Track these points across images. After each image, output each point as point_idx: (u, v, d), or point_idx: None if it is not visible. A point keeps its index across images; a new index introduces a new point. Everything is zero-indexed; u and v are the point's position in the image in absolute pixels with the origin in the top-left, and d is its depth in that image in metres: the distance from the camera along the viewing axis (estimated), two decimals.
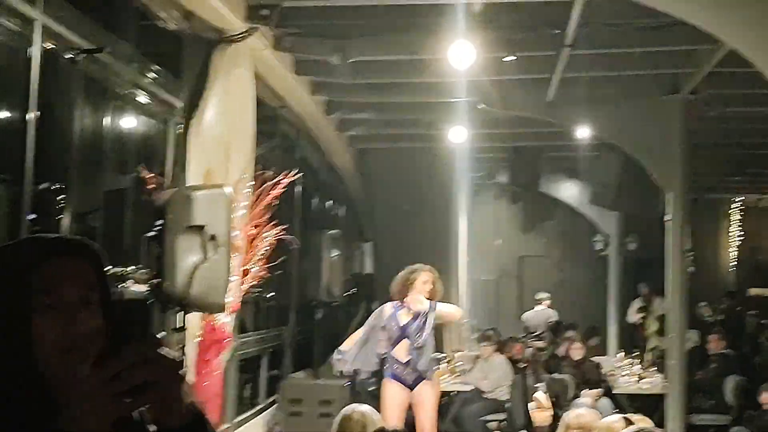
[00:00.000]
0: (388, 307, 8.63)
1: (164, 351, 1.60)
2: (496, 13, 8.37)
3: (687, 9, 6.72)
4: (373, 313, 8.84)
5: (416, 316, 8.46)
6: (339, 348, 9.02)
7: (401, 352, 8.50)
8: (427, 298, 8.48)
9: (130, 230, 7.22)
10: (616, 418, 4.24)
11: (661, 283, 11.35)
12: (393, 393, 8.45)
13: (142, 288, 6.81)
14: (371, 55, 9.79)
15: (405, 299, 8.49)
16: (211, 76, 8.02)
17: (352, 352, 8.76)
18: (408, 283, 8.48)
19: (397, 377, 8.49)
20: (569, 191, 17.63)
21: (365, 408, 4.99)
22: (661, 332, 16.04)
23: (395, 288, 8.60)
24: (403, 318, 8.51)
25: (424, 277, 8.50)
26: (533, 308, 16.41)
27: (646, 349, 14.75)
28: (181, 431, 1.64)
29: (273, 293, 11.19)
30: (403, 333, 8.48)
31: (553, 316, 16.01)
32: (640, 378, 12.14)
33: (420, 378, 8.47)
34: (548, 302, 16.36)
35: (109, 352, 1.57)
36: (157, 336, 1.64)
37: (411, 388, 8.45)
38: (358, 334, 8.89)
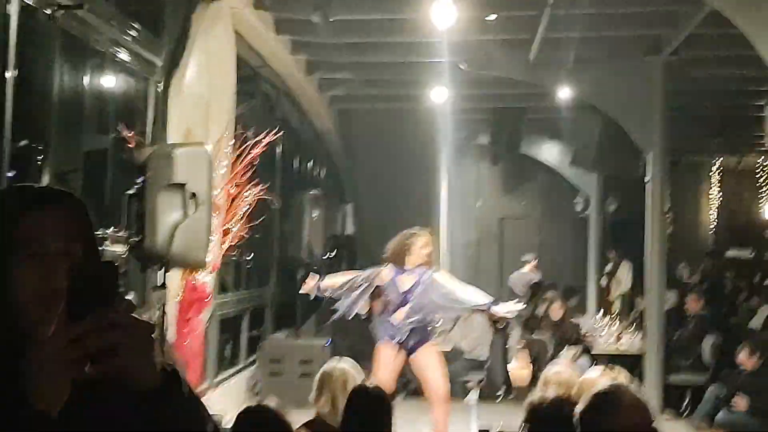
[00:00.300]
0: (386, 271, 8.33)
1: (130, 314, 1.56)
2: None
3: None
4: (370, 271, 8.52)
5: (417, 281, 8.22)
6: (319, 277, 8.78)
7: (402, 317, 8.27)
8: (425, 263, 8.25)
9: (111, 189, 7.19)
10: (598, 372, 4.29)
11: (639, 245, 11.41)
12: (389, 357, 8.23)
13: (119, 248, 6.79)
14: (352, 14, 9.74)
15: (404, 264, 8.26)
16: (191, 35, 7.97)
17: (338, 292, 8.60)
18: (405, 248, 8.24)
19: (395, 341, 8.25)
20: (550, 152, 17.65)
21: (346, 364, 5.00)
22: (625, 297, 16.32)
23: (392, 251, 8.34)
24: (404, 283, 8.26)
25: (422, 241, 8.26)
26: (519, 270, 16.49)
27: (610, 312, 14.88)
28: (154, 394, 1.61)
29: (253, 253, 11.19)
30: (405, 299, 8.24)
31: (534, 277, 16.09)
32: (619, 338, 12.25)
33: (421, 342, 8.29)
34: (533, 263, 16.43)
35: (69, 316, 1.52)
36: (126, 298, 1.59)
37: (409, 352, 8.26)
38: (345, 276, 8.71)
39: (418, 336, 8.29)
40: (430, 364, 8.32)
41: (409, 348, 8.25)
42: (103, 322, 1.52)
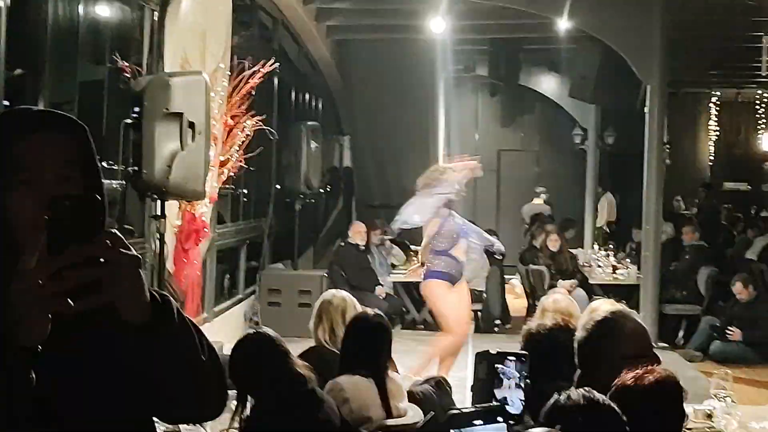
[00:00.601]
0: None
1: (114, 247, 1.53)
2: None
3: None
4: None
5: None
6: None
7: (460, 252, 8.19)
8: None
9: (107, 119, 7.14)
10: (601, 302, 4.31)
11: (636, 177, 11.40)
12: (449, 291, 8.12)
13: (114, 182, 6.78)
14: None
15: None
16: None
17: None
18: (436, 181, 8.16)
19: (448, 277, 8.11)
20: (549, 84, 17.54)
21: (345, 294, 5.02)
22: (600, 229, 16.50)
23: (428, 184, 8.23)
24: (457, 217, 8.25)
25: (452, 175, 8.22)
26: (531, 201, 16.62)
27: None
28: (144, 326, 1.59)
29: (249, 186, 11.18)
30: (463, 233, 8.21)
31: (545, 209, 16.17)
32: (615, 269, 12.32)
33: (460, 276, 8.26)
34: (544, 197, 16.53)
35: (48, 250, 1.49)
36: (112, 231, 1.56)
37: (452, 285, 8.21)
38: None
39: (462, 271, 8.24)
40: (466, 298, 8.32)
41: (454, 282, 8.15)
42: (84, 255, 1.49)
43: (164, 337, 1.63)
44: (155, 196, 6.13)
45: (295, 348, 5.33)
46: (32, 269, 1.49)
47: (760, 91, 21.70)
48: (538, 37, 14.28)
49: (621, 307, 3.62)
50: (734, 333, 10.34)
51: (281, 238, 12.38)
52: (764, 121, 22.41)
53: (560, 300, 5.01)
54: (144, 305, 1.59)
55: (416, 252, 12.86)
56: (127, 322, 1.58)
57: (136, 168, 5.94)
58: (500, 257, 12.76)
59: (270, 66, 8.80)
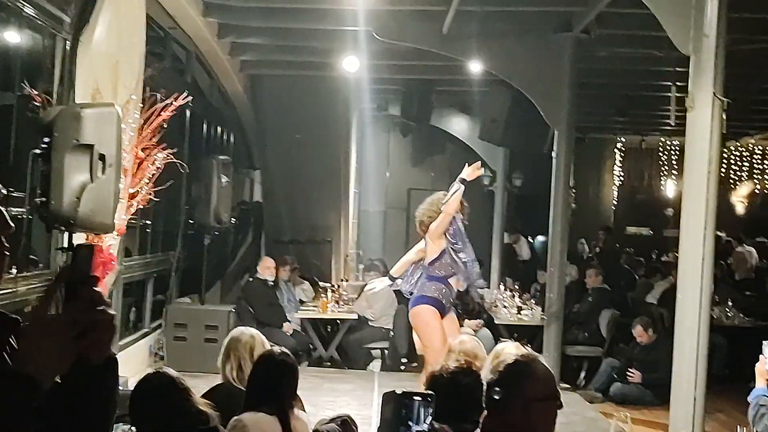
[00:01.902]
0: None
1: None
2: None
3: None
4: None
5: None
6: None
7: (457, 282, 8.35)
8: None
9: (15, 148, 7.00)
10: (510, 345, 4.38)
11: (542, 219, 11.61)
12: (440, 322, 8.18)
13: (20, 210, 6.65)
14: None
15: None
16: None
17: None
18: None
19: (440, 306, 8.20)
20: (459, 125, 17.80)
21: (254, 331, 5.01)
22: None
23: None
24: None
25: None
26: None
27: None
28: (100, 369, 1.72)
29: (158, 219, 11.05)
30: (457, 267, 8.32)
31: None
32: (520, 310, 12.49)
33: (450, 307, 8.35)
34: None
35: (67, 297, 1.64)
36: (92, 275, 1.69)
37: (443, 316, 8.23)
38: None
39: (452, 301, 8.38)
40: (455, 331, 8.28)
41: (444, 312, 8.22)
42: (92, 301, 1.65)
43: (113, 375, 1.79)
44: (62, 228, 6.02)
45: (201, 384, 5.29)
46: (59, 315, 1.63)
47: (663, 139, 22.39)
48: (451, 79, 14.51)
49: (527, 350, 3.70)
50: (634, 375, 10.58)
51: (189, 271, 12.24)
52: (667, 167, 23.08)
53: (466, 341, 5.08)
54: (110, 347, 1.74)
55: (325, 289, 12.89)
56: (94, 362, 1.71)
57: (43, 199, 5.83)
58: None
59: (183, 99, 8.75)
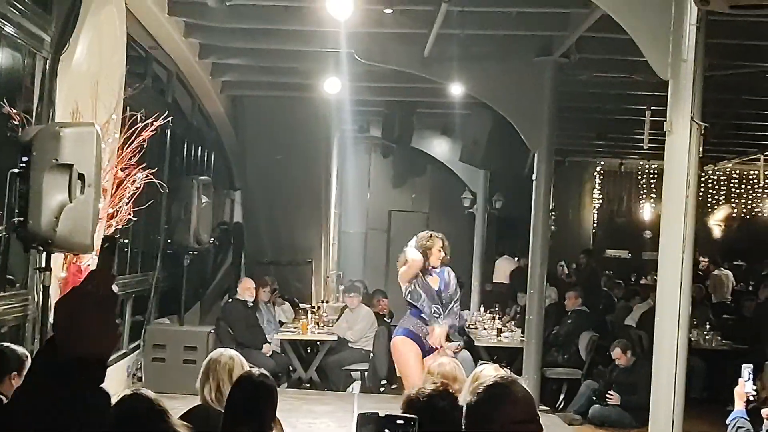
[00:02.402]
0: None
1: None
2: None
3: None
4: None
5: (443, 283, 8.36)
6: None
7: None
8: (443, 263, 8.42)
9: None
10: (490, 368, 4.38)
11: (522, 242, 11.65)
12: (418, 356, 8.15)
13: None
14: None
15: (426, 266, 8.30)
16: (82, 11, 7.77)
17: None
18: (425, 250, 8.29)
19: (417, 340, 8.15)
20: (440, 148, 17.86)
21: (233, 353, 4.99)
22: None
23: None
24: (434, 284, 8.35)
25: (438, 245, 8.37)
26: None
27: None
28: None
29: (137, 239, 11.00)
30: (437, 298, 8.30)
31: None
32: (500, 332, 12.50)
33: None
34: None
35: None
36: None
37: (426, 353, 8.15)
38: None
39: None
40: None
41: (427, 350, 8.16)
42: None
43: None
44: (41, 248, 5.98)
45: (179, 405, 5.25)
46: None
47: (641, 162, 22.53)
48: (432, 102, 14.57)
49: (507, 372, 3.69)
50: (613, 397, 10.58)
51: (168, 292, 12.19)
52: (645, 190, 23.22)
53: (445, 364, 5.06)
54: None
55: (305, 310, 12.86)
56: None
57: (21, 218, 5.79)
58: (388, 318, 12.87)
59: (163, 119, 8.74)
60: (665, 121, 6.48)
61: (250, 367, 4.86)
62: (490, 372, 3.80)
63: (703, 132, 6.25)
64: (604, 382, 10.97)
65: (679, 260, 6.27)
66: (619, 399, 10.54)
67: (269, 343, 11.84)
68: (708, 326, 13.02)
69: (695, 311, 11.14)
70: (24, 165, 5.85)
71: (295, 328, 12.48)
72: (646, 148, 13.57)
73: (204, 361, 5.01)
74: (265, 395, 4.42)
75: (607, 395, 10.65)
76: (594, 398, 10.85)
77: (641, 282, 18.43)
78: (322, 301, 13.80)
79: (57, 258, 6.91)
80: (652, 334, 6.70)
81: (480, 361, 9.99)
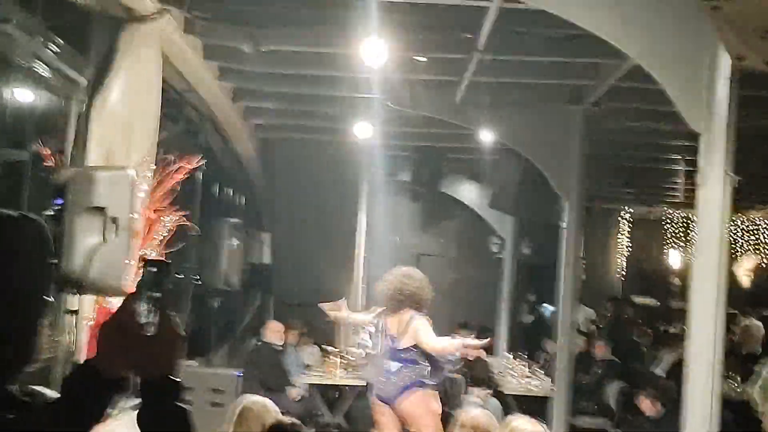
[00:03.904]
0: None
1: None
2: (411, 13, 8.43)
3: (595, 22, 6.88)
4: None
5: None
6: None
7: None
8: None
9: (26, 208, 7.03)
10: (525, 421, 4.33)
11: (550, 288, 11.59)
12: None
13: None
14: (283, 45, 9.74)
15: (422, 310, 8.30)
16: (117, 56, 7.87)
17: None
18: (429, 291, 8.44)
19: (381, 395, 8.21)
20: (469, 193, 17.84)
21: (267, 401, 4.97)
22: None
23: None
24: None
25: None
26: None
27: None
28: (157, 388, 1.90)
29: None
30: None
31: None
32: (528, 378, 12.38)
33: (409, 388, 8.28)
34: None
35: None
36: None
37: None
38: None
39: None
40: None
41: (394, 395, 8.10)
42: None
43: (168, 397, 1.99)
44: (73, 291, 6.01)
45: None
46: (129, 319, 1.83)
47: (669, 210, 22.42)
48: (462, 147, 14.59)
49: (543, 427, 3.66)
50: None
51: (196, 334, 12.19)
52: (673, 238, 23.08)
53: (479, 416, 5.00)
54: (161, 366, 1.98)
55: (332, 353, 12.81)
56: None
57: (54, 261, 5.82)
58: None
59: (196, 162, 8.79)
60: (694, 170, 6.45)
61: (282, 413, 4.84)
62: (524, 425, 3.75)
63: (736, 185, 6.21)
64: None
65: (712, 312, 6.20)
66: None
67: (296, 386, 11.79)
68: (739, 378, 12.83)
69: (725, 362, 11.00)
70: (58, 207, 5.90)
71: (323, 372, 12.44)
72: (682, 198, 13.51)
73: (236, 407, 5.00)
74: None
75: None
76: None
77: (670, 331, 18.22)
78: (350, 346, 13.75)
79: (86, 299, 6.94)
80: (682, 384, 6.61)
81: (510, 411, 9.89)
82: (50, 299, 1.88)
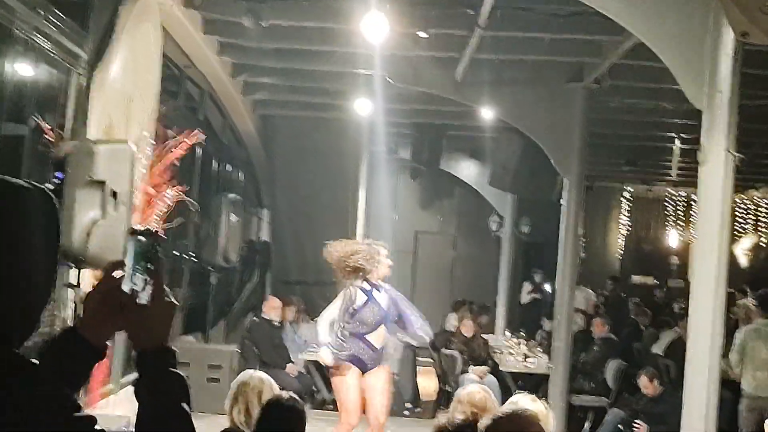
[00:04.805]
0: (359, 292, 8.06)
1: None
2: None
3: None
4: (342, 296, 8.16)
5: (391, 298, 8.08)
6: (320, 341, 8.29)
7: (378, 338, 8.09)
8: (385, 275, 8.15)
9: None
10: (525, 396, 4.33)
11: (549, 266, 11.60)
12: (355, 379, 7.99)
13: None
14: (284, 19, 9.69)
15: (373, 279, 8.03)
16: (117, 30, 7.82)
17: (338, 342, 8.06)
18: (375, 261, 8.05)
19: (359, 362, 7.98)
20: (469, 171, 17.83)
21: (263, 375, 4.98)
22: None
23: (355, 264, 8.04)
24: (382, 301, 8.07)
25: (384, 252, 8.17)
26: None
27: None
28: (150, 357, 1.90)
29: (165, 256, 11.01)
30: (383, 318, 8.06)
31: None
32: (526, 357, 12.42)
33: (378, 362, 8.12)
34: None
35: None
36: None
37: (364, 372, 8.04)
38: (328, 320, 8.23)
39: (380, 357, 8.11)
40: (379, 386, 8.13)
41: (367, 368, 8.03)
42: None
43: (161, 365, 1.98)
44: (71, 265, 6.00)
45: (202, 425, 5.22)
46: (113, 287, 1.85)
47: (669, 189, 22.40)
48: (462, 125, 14.56)
49: (543, 405, 3.65)
50: (641, 427, 10.45)
51: (194, 309, 12.20)
52: (673, 217, 23.08)
53: (476, 393, 4.98)
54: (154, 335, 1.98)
55: None
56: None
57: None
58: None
59: (196, 138, 8.77)
60: (695, 149, 6.44)
61: (280, 390, 4.84)
62: (527, 403, 3.75)
63: (738, 163, 6.20)
64: (631, 412, 10.84)
65: (713, 291, 6.20)
66: (646, 429, 10.41)
67: (294, 363, 11.82)
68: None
69: (724, 341, 11.03)
70: (58, 181, 5.88)
71: None
72: (674, 177, 13.50)
73: (233, 382, 5.00)
74: (294, 419, 4.41)
75: (634, 425, 10.53)
76: (620, 427, 10.73)
77: (668, 309, 18.24)
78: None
79: (85, 272, 6.93)
80: (680, 363, 6.63)
81: (516, 391, 9.89)
82: (57, 271, 1.87)
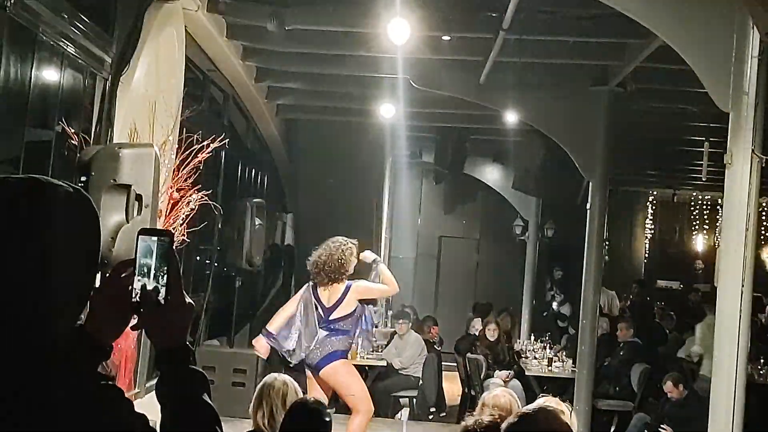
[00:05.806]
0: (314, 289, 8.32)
1: None
2: None
3: (621, 0, 6.82)
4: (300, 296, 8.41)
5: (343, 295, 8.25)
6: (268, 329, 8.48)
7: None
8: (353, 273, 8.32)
9: None
10: (550, 400, 4.31)
11: (574, 270, 11.54)
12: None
13: None
14: (307, 24, 9.71)
15: (343, 276, 8.23)
16: (142, 34, 7.87)
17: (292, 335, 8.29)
18: (343, 260, 8.21)
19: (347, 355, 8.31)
20: (493, 175, 17.78)
21: (287, 378, 4.97)
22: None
23: (332, 263, 8.23)
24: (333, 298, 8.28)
25: (356, 251, 8.33)
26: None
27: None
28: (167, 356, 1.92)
29: (188, 260, 11.05)
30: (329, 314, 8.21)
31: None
32: (551, 361, 12.36)
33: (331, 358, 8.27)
34: None
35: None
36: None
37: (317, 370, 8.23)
38: (283, 315, 8.48)
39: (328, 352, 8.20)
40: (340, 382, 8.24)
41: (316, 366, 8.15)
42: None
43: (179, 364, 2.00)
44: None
45: (228, 429, 5.24)
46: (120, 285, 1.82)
47: (695, 193, 22.25)
48: (485, 128, 14.52)
49: (567, 406, 3.64)
50: (666, 431, 10.39)
51: (219, 314, 12.23)
52: (698, 222, 22.92)
53: (500, 396, 4.97)
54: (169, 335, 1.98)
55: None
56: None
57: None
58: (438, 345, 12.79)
59: (219, 141, 8.79)
60: (721, 152, 6.39)
61: (303, 393, 4.84)
62: (550, 404, 3.74)
63: (764, 165, 6.15)
64: (656, 416, 10.78)
65: (738, 294, 6.15)
66: None
67: None
68: (762, 361, 12.77)
69: (750, 346, 10.94)
70: (82, 185, 5.91)
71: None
72: (704, 179, 13.39)
73: (257, 386, 5.00)
74: (318, 423, 4.40)
75: (660, 429, 10.47)
76: (645, 431, 10.67)
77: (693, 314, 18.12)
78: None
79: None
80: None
81: (541, 394, 9.86)
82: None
